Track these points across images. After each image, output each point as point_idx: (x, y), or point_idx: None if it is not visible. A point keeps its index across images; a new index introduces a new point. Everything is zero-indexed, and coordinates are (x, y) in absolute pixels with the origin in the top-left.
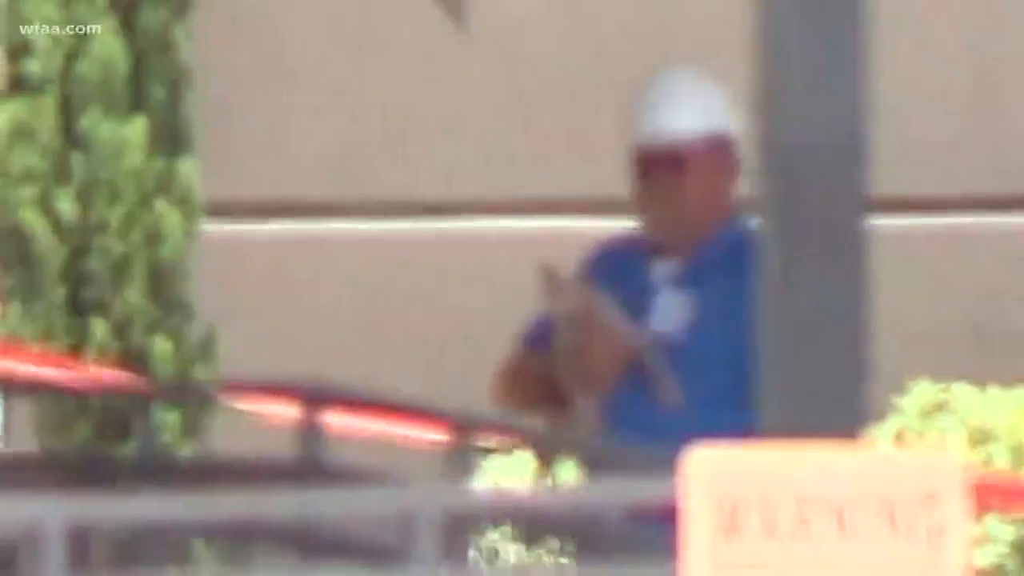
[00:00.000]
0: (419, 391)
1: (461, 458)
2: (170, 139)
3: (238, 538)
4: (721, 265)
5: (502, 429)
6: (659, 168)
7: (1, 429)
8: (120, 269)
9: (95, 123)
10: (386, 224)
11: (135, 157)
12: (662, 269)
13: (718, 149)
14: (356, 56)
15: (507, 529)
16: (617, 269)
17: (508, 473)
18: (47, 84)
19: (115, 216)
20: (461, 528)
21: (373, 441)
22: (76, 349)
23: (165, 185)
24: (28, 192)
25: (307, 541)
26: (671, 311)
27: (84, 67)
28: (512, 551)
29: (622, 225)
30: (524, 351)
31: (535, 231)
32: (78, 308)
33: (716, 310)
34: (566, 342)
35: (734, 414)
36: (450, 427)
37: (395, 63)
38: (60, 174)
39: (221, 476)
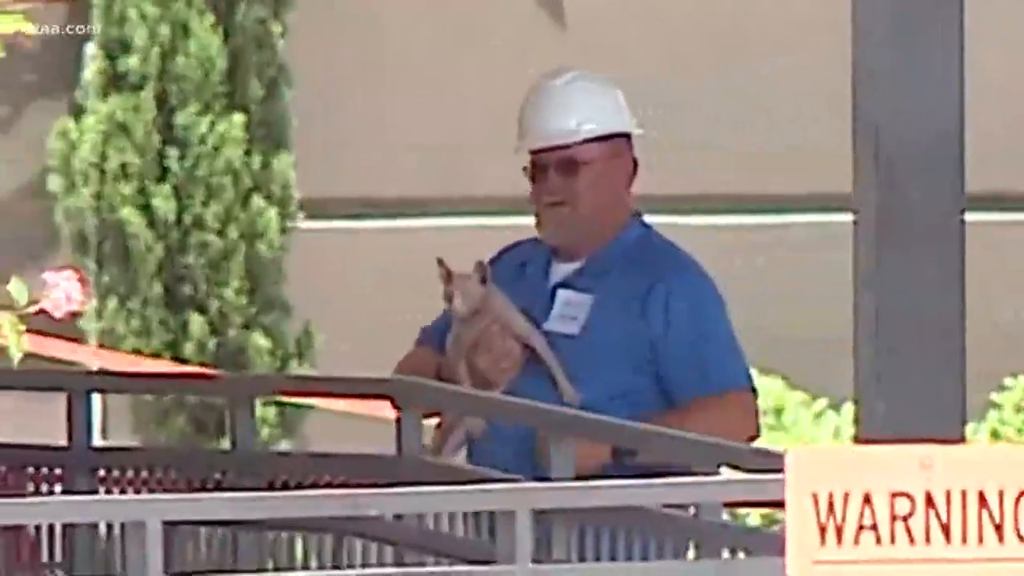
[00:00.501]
0: None
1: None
2: (267, 136)
3: (334, 535)
4: (618, 265)
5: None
6: (552, 172)
7: (100, 424)
8: (217, 266)
9: (192, 120)
10: (484, 220)
11: (232, 154)
12: (560, 271)
13: (611, 151)
14: (454, 52)
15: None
16: (518, 270)
17: None
18: (144, 81)
19: (212, 213)
20: (556, 524)
21: None
22: (173, 345)
23: (262, 182)
24: (125, 189)
25: (404, 538)
26: (567, 312)
27: (181, 64)
28: (605, 546)
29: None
30: (420, 348)
31: None
32: (175, 305)
33: (612, 310)
34: (460, 338)
35: (630, 411)
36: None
37: (493, 58)
38: (157, 171)
39: (317, 473)
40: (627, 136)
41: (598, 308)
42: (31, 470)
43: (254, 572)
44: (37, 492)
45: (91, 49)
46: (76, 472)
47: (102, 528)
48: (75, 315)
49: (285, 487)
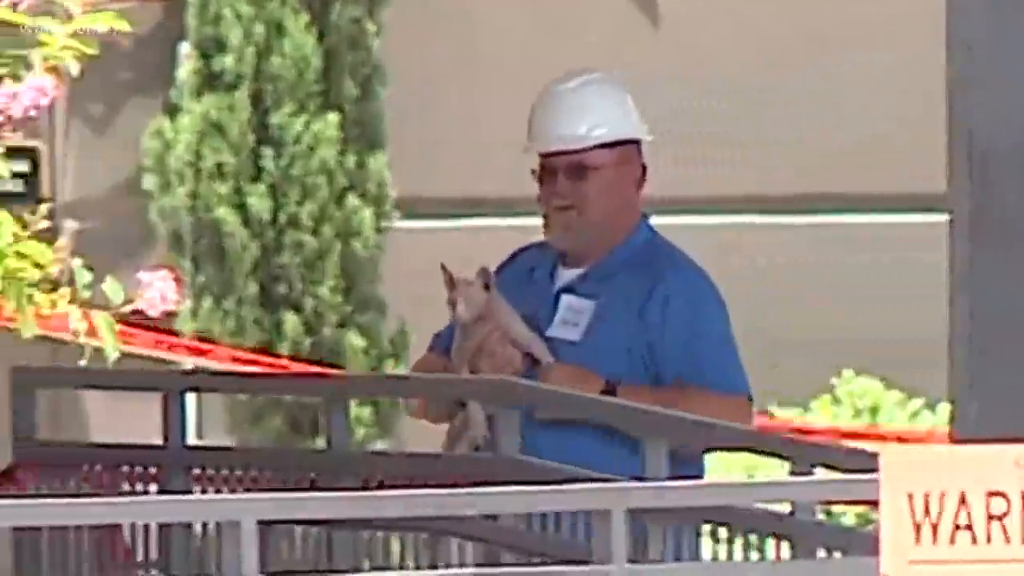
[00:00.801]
0: None
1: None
2: (362, 135)
3: (429, 534)
4: (623, 270)
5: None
6: (561, 176)
7: (195, 424)
8: (312, 265)
9: (287, 120)
10: None
11: (327, 153)
12: (566, 276)
13: (620, 157)
14: (548, 50)
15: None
16: (527, 275)
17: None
18: (239, 81)
19: (307, 212)
20: (654, 524)
21: None
22: (267, 345)
23: (357, 181)
24: (221, 188)
25: (499, 537)
26: (569, 317)
27: (276, 64)
28: (708, 546)
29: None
30: (431, 354)
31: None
32: (270, 304)
33: (613, 314)
34: (461, 342)
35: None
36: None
37: (588, 56)
38: (252, 171)
39: (412, 473)
40: (637, 142)
41: (600, 313)
42: (126, 469)
43: (349, 572)
44: (132, 491)
45: (186, 48)
46: (171, 471)
47: (197, 527)
48: (170, 315)
49: (380, 487)
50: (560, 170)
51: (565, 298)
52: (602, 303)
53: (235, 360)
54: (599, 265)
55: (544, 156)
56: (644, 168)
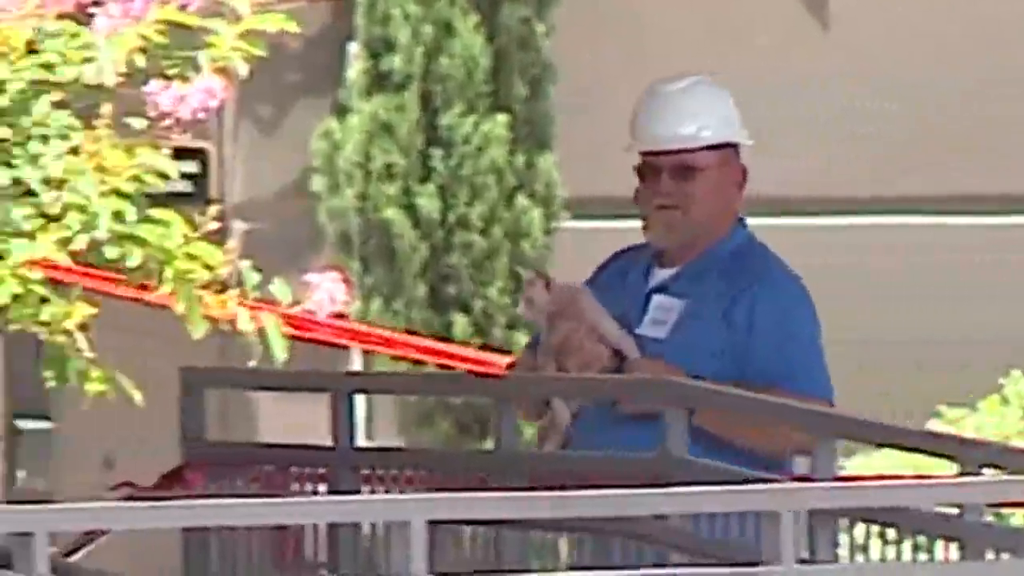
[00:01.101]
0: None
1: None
2: (531, 135)
3: (598, 535)
4: (715, 270)
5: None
6: (666, 175)
7: (364, 426)
8: (481, 266)
9: (456, 120)
10: (779, 221)
11: (496, 154)
12: (659, 276)
13: (723, 159)
14: (717, 50)
15: (873, 525)
16: (619, 278)
17: (870, 469)
18: (408, 81)
19: (476, 213)
20: (824, 525)
21: None
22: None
23: (526, 181)
24: (390, 189)
25: (668, 538)
26: (658, 316)
27: (445, 64)
28: (876, 546)
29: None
30: (527, 351)
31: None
32: (439, 305)
33: (702, 314)
34: (546, 341)
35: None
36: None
37: (758, 57)
38: (421, 171)
39: (581, 473)
40: (735, 146)
41: (688, 312)
42: (295, 470)
43: (518, 572)
44: (301, 492)
45: (354, 49)
46: (340, 472)
47: (366, 528)
48: (339, 316)
49: (549, 488)
50: (665, 169)
51: (656, 298)
52: (691, 302)
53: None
54: (692, 265)
55: (648, 155)
56: (745, 171)
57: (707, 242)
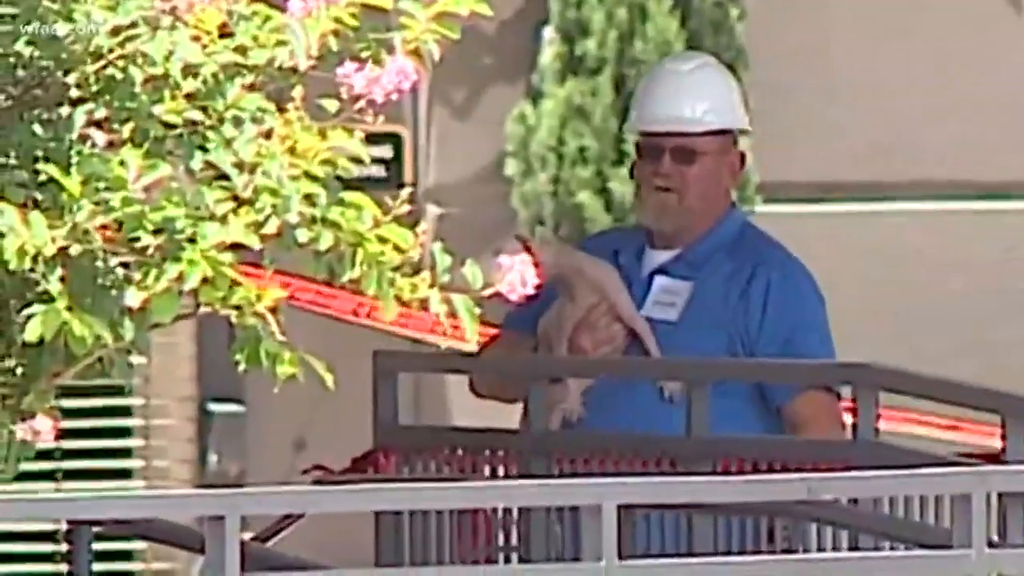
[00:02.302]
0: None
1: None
2: None
3: (789, 518)
4: (718, 254)
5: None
6: (667, 157)
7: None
8: None
9: None
10: (929, 205)
11: None
12: (656, 258)
13: (723, 145)
14: (903, 35)
15: None
16: (610, 257)
17: None
18: (602, 65)
19: None
20: (1015, 507)
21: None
22: None
23: None
24: (583, 173)
25: (859, 522)
26: (664, 299)
27: (639, 48)
28: None
29: None
30: (508, 333)
31: None
32: None
33: (711, 297)
34: (564, 316)
35: (726, 400)
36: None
37: (936, 47)
38: (615, 155)
39: (771, 457)
40: (735, 132)
41: (697, 295)
42: (487, 453)
43: (708, 555)
44: (493, 475)
45: (548, 33)
46: (531, 456)
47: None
48: (530, 299)
49: (740, 472)
50: (666, 151)
51: (659, 279)
52: (699, 285)
53: None
54: (694, 248)
55: (650, 135)
56: (743, 157)
57: (705, 225)
